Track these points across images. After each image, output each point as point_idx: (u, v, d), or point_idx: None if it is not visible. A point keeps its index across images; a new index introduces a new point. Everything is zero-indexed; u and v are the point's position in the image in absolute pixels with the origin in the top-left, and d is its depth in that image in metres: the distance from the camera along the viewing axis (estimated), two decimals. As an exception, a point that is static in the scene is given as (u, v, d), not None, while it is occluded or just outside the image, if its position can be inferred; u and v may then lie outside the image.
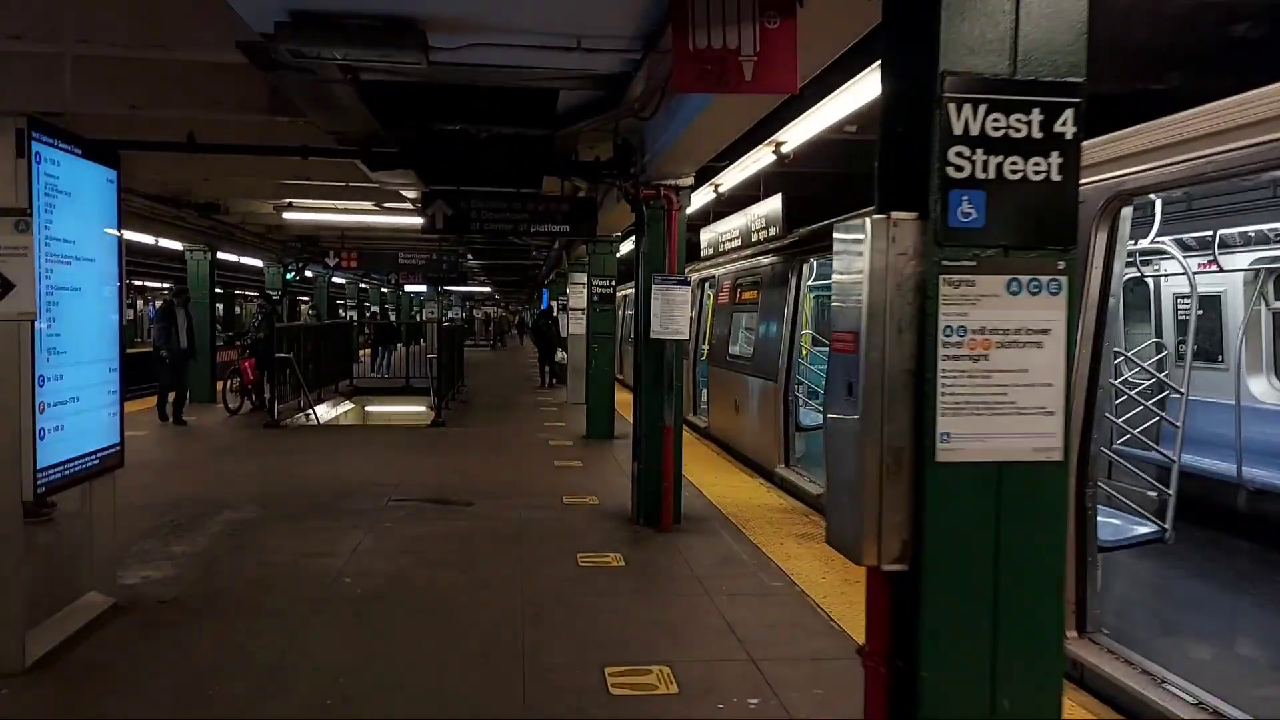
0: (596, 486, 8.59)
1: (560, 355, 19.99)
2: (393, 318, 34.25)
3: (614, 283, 11.84)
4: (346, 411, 16.92)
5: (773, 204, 8.66)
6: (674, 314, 6.84)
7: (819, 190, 9.25)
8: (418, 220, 13.05)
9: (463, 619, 4.88)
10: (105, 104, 6.59)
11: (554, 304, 22.79)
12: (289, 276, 23.14)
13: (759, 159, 7.25)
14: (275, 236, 17.46)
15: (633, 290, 18.40)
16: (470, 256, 22.79)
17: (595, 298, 11.80)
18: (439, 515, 7.28)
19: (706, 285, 13.46)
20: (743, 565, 6.00)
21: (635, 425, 7.33)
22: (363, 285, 32.20)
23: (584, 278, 16.87)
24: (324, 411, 15.39)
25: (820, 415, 10.93)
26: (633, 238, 14.49)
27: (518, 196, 8.63)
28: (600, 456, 10.41)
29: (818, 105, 6.23)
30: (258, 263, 20.64)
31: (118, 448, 4.71)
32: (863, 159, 9.42)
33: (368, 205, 12.39)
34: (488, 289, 41.76)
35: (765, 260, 10.17)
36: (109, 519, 4.73)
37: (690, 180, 7.00)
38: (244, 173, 9.93)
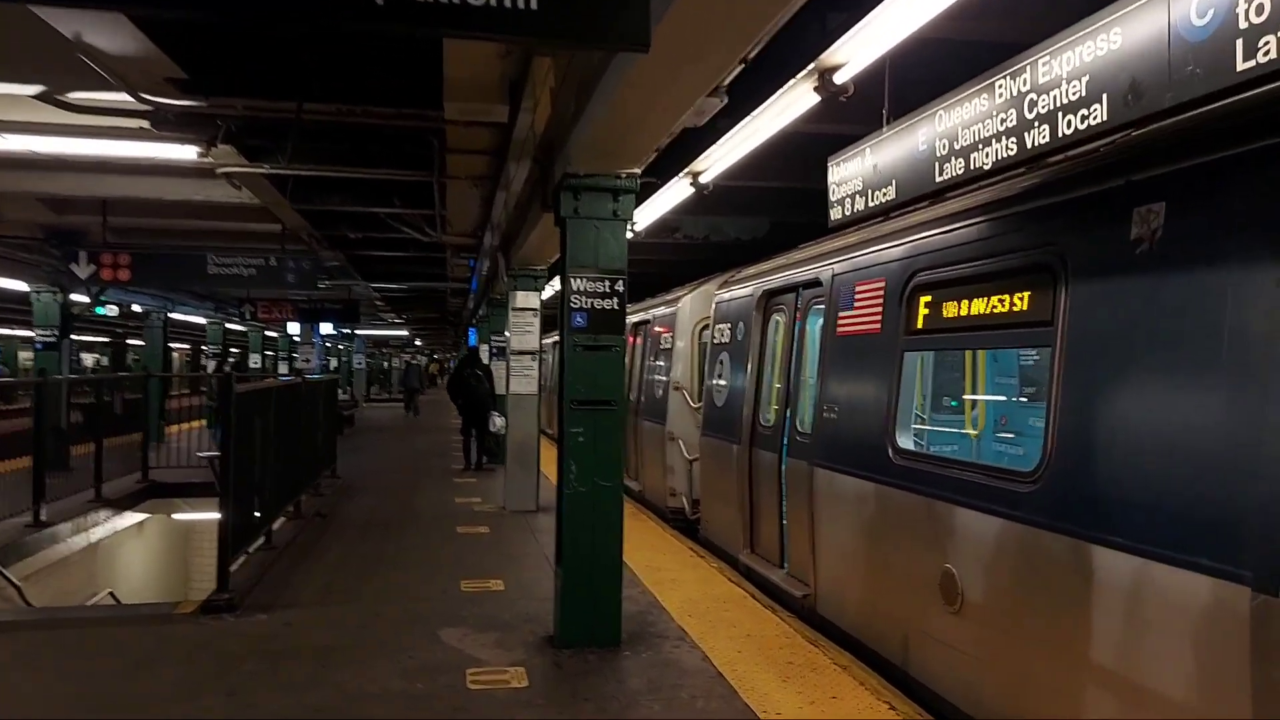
0: None
1: (497, 422, 13.03)
2: (288, 370, 26.48)
3: (622, 285, 5.13)
4: (106, 538, 9.64)
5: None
6: None
7: None
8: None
9: None
10: None
11: (484, 346, 15.94)
12: (99, 309, 15.89)
13: None
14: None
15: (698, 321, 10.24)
16: (361, 279, 15.59)
17: (579, 321, 5.07)
18: None
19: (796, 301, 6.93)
20: None
21: None
22: (231, 326, 24.64)
23: (534, 299, 10.16)
24: (62, 539, 8.20)
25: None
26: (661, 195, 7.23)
27: None
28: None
29: None
30: (20, 285, 13.30)
31: None
32: None
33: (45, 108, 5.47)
34: (404, 331, 34.47)
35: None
36: None
37: None
38: None
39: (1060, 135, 3.00)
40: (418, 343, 43.32)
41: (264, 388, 7.26)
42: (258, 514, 6.87)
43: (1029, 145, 3.17)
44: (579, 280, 5.09)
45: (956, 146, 3.61)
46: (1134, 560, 3.09)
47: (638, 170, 4.92)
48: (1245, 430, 2.72)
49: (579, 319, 5.07)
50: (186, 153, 5.91)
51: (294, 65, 4.99)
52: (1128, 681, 3.10)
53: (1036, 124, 3.11)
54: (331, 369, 33.19)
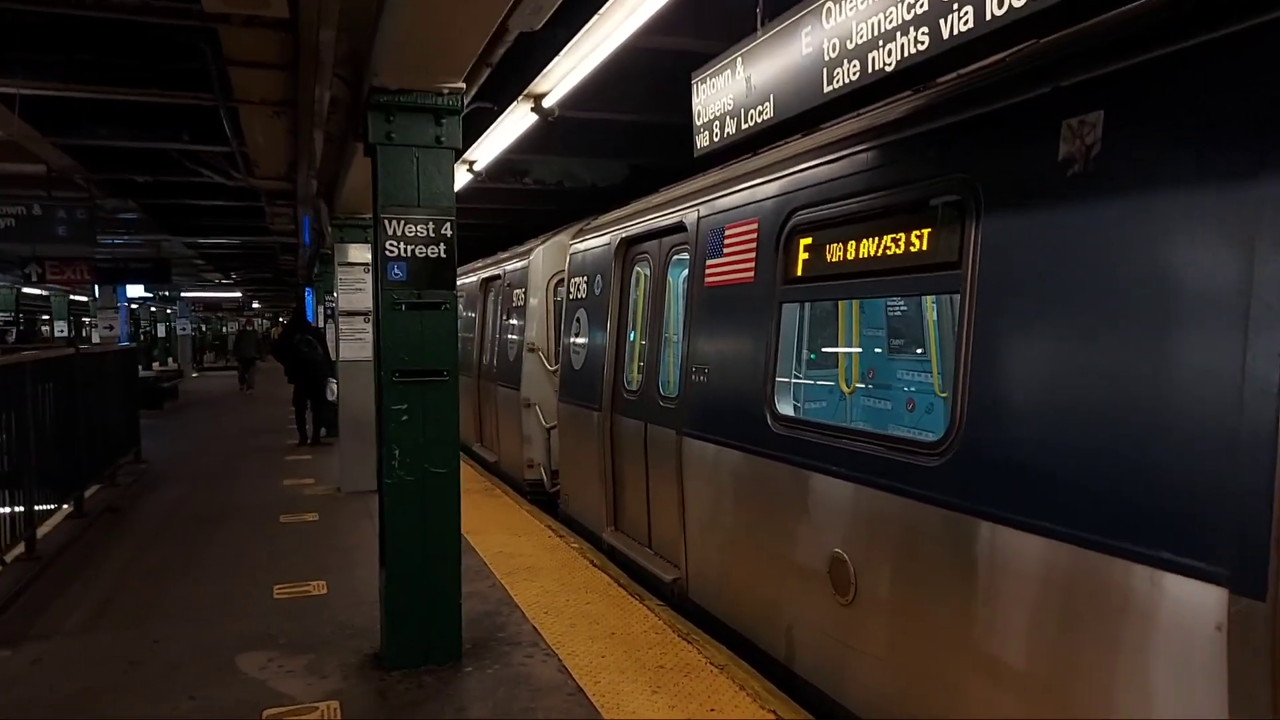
0: None
1: (335, 389, 11.76)
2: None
3: (450, 228, 4.20)
4: None
5: None
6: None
7: None
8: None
9: None
10: None
11: (320, 308, 14.52)
12: None
13: None
14: None
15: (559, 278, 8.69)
16: (167, 233, 13.70)
17: (396, 272, 4.12)
18: None
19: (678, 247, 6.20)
20: None
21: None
22: (33, 290, 21.66)
23: (365, 252, 8.96)
24: None
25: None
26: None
27: None
28: None
29: None
30: None
31: None
32: None
33: None
34: (237, 293, 31.67)
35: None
36: None
37: None
38: None
39: (988, 18, 2.34)
40: (255, 306, 40.15)
41: (11, 362, 5.86)
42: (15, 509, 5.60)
43: (945, 35, 2.50)
44: (395, 222, 4.13)
45: (850, 46, 2.91)
46: (1067, 549, 2.55)
47: (461, 85, 3.98)
48: (1218, 394, 2.17)
49: (396, 270, 4.12)
50: None
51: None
52: (1060, 697, 2.57)
53: (956, 6, 2.44)
54: (159, 336, 30.15)
